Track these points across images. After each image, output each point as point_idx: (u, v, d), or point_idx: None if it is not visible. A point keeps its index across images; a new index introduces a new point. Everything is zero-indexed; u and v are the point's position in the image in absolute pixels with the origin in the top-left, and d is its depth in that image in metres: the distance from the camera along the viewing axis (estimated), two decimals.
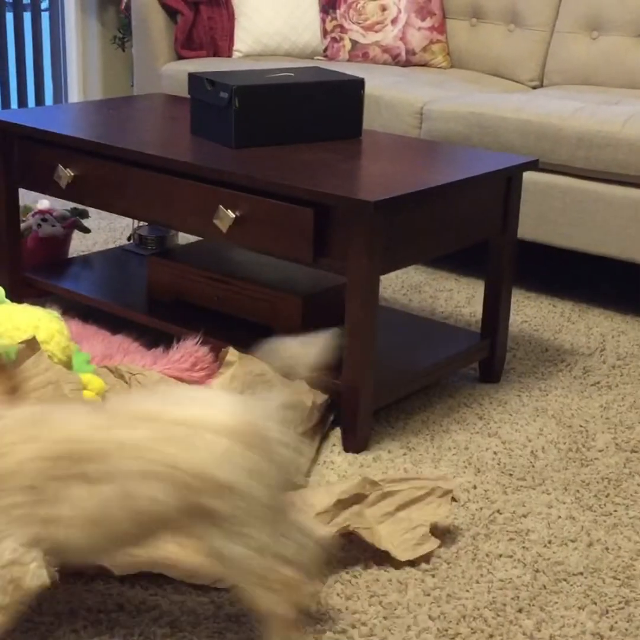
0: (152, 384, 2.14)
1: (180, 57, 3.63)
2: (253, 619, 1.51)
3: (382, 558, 1.65)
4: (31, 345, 2.02)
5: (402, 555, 1.64)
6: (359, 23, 3.60)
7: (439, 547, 1.70)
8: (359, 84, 2.31)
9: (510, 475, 1.95)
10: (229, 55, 3.67)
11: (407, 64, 3.61)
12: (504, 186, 2.20)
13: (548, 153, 2.76)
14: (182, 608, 1.54)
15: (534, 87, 3.49)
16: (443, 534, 1.72)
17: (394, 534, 1.67)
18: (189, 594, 1.57)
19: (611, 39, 3.36)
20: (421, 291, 2.94)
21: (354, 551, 1.67)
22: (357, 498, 1.70)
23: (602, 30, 3.38)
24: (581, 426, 2.15)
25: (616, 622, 1.54)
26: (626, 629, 1.52)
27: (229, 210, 2.05)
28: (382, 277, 3.03)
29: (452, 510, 1.77)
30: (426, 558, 1.67)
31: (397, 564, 1.65)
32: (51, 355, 2.08)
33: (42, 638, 1.46)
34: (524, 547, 1.72)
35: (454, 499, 1.75)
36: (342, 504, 1.68)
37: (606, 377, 2.40)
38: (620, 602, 1.58)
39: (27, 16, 4.61)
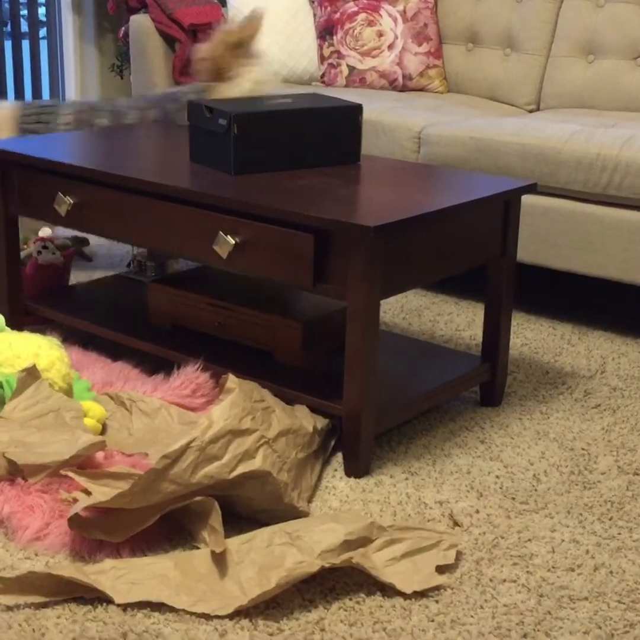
0: (152, 411, 2.14)
1: (178, 84, 3.65)
2: None
3: (386, 585, 1.65)
4: (32, 373, 2.03)
5: (407, 588, 1.63)
6: (356, 49, 3.62)
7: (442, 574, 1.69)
8: (357, 109, 2.32)
9: (513, 499, 1.94)
10: None
11: (404, 88, 3.63)
12: (502, 210, 2.21)
13: (547, 176, 2.77)
14: (185, 636, 1.53)
15: (531, 111, 3.51)
16: (448, 575, 1.71)
17: (399, 574, 1.66)
18: (192, 622, 1.56)
19: (607, 63, 3.38)
20: (421, 315, 2.94)
21: (357, 577, 1.67)
22: (363, 541, 1.69)
23: (597, 53, 3.40)
24: (583, 449, 2.15)
25: None
26: None
27: (228, 236, 2.05)
28: (381, 301, 3.04)
29: (456, 562, 1.75)
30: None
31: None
32: (52, 383, 2.08)
33: None
34: (528, 572, 1.71)
35: (458, 553, 1.74)
36: (348, 545, 1.67)
37: (607, 399, 2.40)
38: (625, 626, 1.58)
39: (25, 44, 4.63)
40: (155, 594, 1.60)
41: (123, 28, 4.08)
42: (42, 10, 4.65)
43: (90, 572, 1.61)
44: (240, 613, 1.57)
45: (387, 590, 1.64)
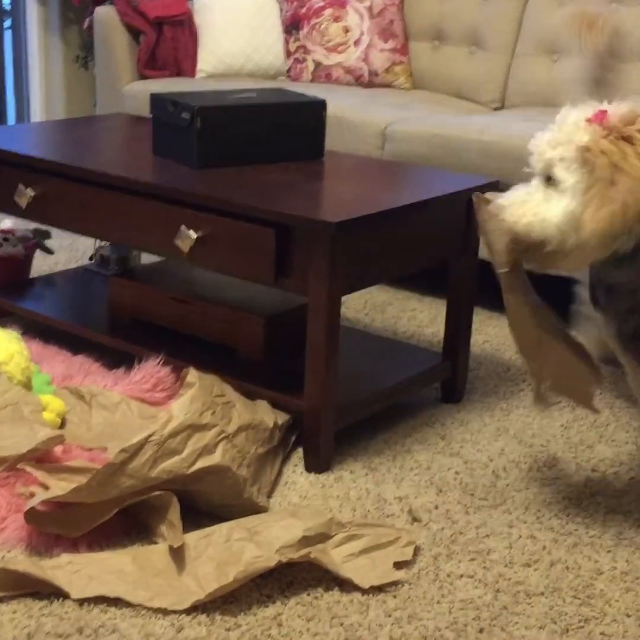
0: (112, 405, 2.13)
1: (143, 77, 3.63)
2: None
3: (344, 580, 1.65)
4: None
5: (364, 583, 1.64)
6: (322, 44, 3.62)
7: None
8: (321, 105, 2.32)
9: (472, 495, 1.95)
10: (193, 76, 3.67)
11: (369, 85, 3.63)
12: (465, 207, 2.21)
13: (510, 174, 2.78)
14: (141, 631, 1.52)
15: (496, 109, 3.52)
16: (406, 571, 1.71)
17: (356, 570, 1.66)
18: (149, 617, 1.55)
19: (571, 62, 3.39)
20: (384, 311, 2.94)
21: (315, 572, 1.67)
22: (322, 537, 1.69)
23: (562, 52, 3.41)
24: (542, 446, 2.16)
25: None
26: None
27: (190, 231, 2.04)
28: (344, 297, 3.04)
29: (414, 557, 1.75)
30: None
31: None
32: (10, 377, 2.07)
33: None
34: (485, 567, 1.72)
35: (416, 549, 1.74)
36: (307, 541, 1.67)
37: None
38: (580, 621, 1.59)
39: None
40: (112, 588, 1.59)
41: (88, 19, 4.05)
42: (7, 0, 4.60)
43: (46, 567, 1.60)
44: (197, 608, 1.57)
45: (345, 585, 1.65)
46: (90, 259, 2.94)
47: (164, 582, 1.61)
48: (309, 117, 2.31)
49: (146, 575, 1.62)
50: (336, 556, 1.67)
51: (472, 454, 2.11)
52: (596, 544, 1.80)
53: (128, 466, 1.70)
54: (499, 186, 2.26)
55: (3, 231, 2.76)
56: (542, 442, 2.18)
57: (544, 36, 3.43)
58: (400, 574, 1.67)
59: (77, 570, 1.61)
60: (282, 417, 2.04)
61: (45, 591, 1.59)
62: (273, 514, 1.77)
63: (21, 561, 1.62)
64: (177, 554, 1.66)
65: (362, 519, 1.76)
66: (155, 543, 1.72)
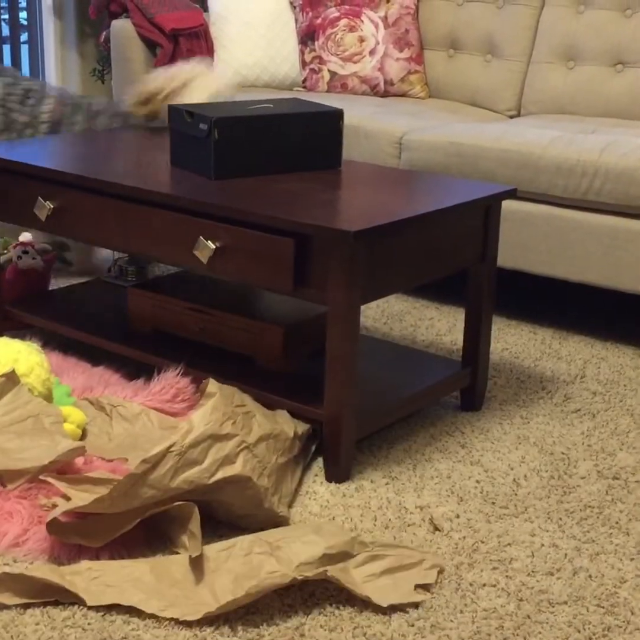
0: (133, 416, 2.14)
1: None
2: None
3: (363, 599, 1.64)
4: (11, 379, 2.02)
5: (382, 602, 1.61)
6: (338, 54, 3.63)
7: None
8: (338, 114, 2.32)
9: (493, 503, 1.94)
10: None
11: (385, 94, 3.64)
12: (482, 215, 2.21)
13: (527, 182, 2.78)
14: None
15: (511, 117, 3.52)
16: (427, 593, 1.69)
17: (376, 589, 1.64)
18: (172, 628, 1.55)
19: (587, 69, 3.39)
20: (402, 320, 2.94)
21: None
22: (343, 556, 1.67)
23: (577, 60, 3.41)
24: (563, 453, 2.15)
25: None
26: None
27: (209, 241, 2.05)
28: (363, 306, 3.04)
29: (437, 581, 1.73)
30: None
31: None
32: (31, 388, 2.07)
33: None
34: (507, 576, 1.71)
35: (441, 572, 1.72)
36: (328, 559, 1.65)
37: (587, 404, 2.41)
38: (604, 630, 1.58)
39: (6, 48, 4.62)
40: (127, 597, 1.59)
41: (104, 33, 4.07)
42: (23, 14, 4.64)
43: (65, 573, 1.61)
44: (219, 619, 1.57)
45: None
46: (108, 270, 2.95)
47: (179, 593, 1.61)
48: (325, 126, 2.31)
49: (162, 585, 1.62)
50: (357, 576, 1.65)
51: (493, 462, 2.11)
52: (619, 552, 1.79)
53: (149, 477, 1.70)
54: (517, 194, 2.26)
55: (22, 244, 2.78)
56: (562, 449, 2.17)
57: (560, 43, 3.43)
58: (421, 597, 1.64)
59: (95, 577, 1.61)
60: (302, 427, 2.04)
61: (65, 600, 1.59)
62: (296, 528, 1.76)
63: (40, 568, 1.63)
64: (196, 565, 1.66)
65: (386, 540, 1.74)
66: (177, 553, 1.73)
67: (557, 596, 1.66)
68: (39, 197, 2.36)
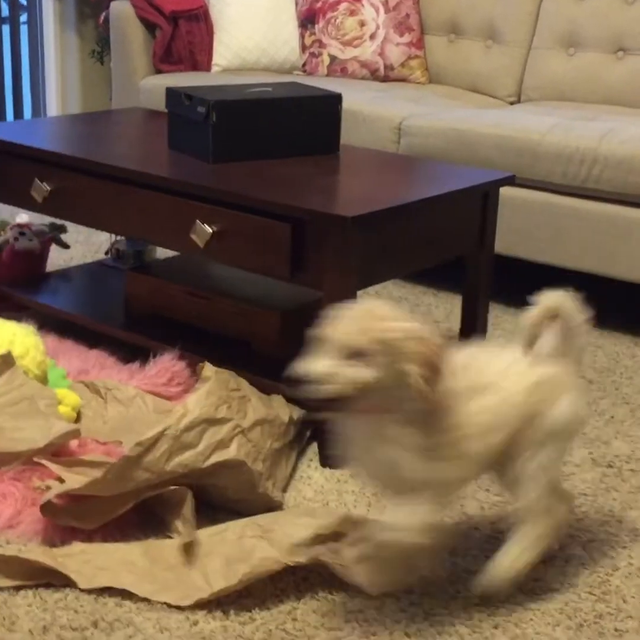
0: (128, 400, 2.13)
1: (158, 71, 3.63)
2: (227, 636, 1.50)
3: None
4: (6, 360, 2.01)
5: (373, 590, 1.61)
6: (338, 38, 3.61)
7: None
8: (337, 99, 2.31)
9: (487, 490, 1.94)
10: (208, 70, 3.67)
11: (385, 79, 3.62)
12: (480, 202, 2.21)
13: (526, 169, 2.77)
14: (156, 625, 1.52)
15: (511, 103, 3.51)
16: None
17: (368, 573, 1.64)
18: (164, 611, 1.56)
19: (588, 56, 3.38)
20: (399, 306, 2.93)
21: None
22: (336, 536, 1.67)
23: (578, 46, 3.40)
24: None
25: (589, 637, 1.54)
26: None
27: (206, 225, 2.04)
28: (359, 292, 3.03)
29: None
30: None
31: None
32: (26, 371, 2.07)
33: None
34: None
35: (433, 557, 1.71)
36: (320, 539, 1.65)
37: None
38: (595, 617, 1.59)
39: (5, 29, 4.60)
40: (119, 580, 1.59)
41: (103, 14, 4.05)
42: None
43: (58, 555, 1.61)
44: (211, 602, 1.57)
45: None
46: (106, 253, 2.94)
47: (172, 577, 1.61)
48: (324, 111, 2.30)
49: (155, 569, 1.62)
50: (350, 556, 1.66)
51: None
52: (612, 541, 1.80)
53: (143, 460, 1.70)
54: (515, 181, 2.26)
55: (19, 225, 2.77)
56: None
57: (561, 30, 3.41)
58: (414, 580, 1.65)
59: (88, 560, 1.62)
60: (297, 412, 2.04)
61: (58, 582, 1.59)
62: (289, 512, 1.76)
63: (33, 550, 1.63)
64: (189, 549, 1.66)
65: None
66: (170, 537, 1.73)
67: (550, 583, 1.67)
68: (36, 179, 2.35)
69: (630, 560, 1.74)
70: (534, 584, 1.66)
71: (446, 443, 1.48)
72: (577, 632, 1.55)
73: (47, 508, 1.69)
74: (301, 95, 2.28)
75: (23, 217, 2.82)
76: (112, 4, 3.72)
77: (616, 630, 1.56)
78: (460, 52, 3.63)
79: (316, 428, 2.04)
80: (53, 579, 1.60)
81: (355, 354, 1.41)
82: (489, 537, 1.79)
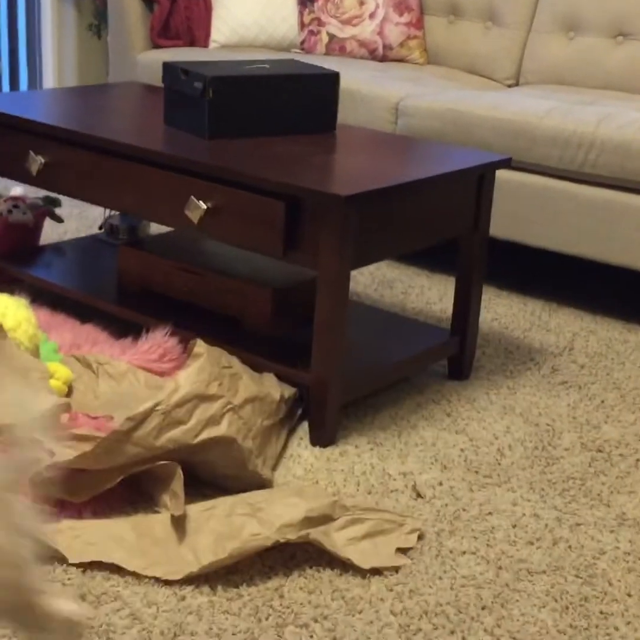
0: (119, 375, 2.13)
1: (156, 46, 3.61)
2: (214, 611, 1.50)
3: (344, 561, 1.65)
4: None
5: (364, 564, 1.62)
6: (337, 17, 3.59)
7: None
8: (335, 77, 2.30)
9: (476, 472, 1.95)
10: (206, 46, 3.65)
11: (384, 59, 3.61)
12: (476, 184, 2.20)
13: (523, 152, 2.77)
14: (143, 599, 1.53)
15: (510, 86, 3.50)
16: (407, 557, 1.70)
17: (358, 553, 1.65)
18: (151, 585, 1.56)
19: (588, 40, 3.37)
20: (393, 287, 2.94)
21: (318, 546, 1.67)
22: (324, 519, 1.68)
23: (578, 30, 3.39)
24: (548, 425, 2.16)
25: (574, 619, 1.54)
26: (585, 627, 1.53)
27: (200, 201, 2.04)
28: (353, 272, 3.03)
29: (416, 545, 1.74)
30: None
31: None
32: (18, 344, 2.07)
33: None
34: (488, 545, 1.72)
35: (420, 536, 1.73)
36: (309, 522, 1.66)
37: (574, 376, 2.41)
38: (581, 600, 1.59)
39: (3, 2, 4.56)
40: (109, 555, 1.59)
41: None
42: None
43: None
44: (200, 578, 1.58)
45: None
46: (100, 228, 2.94)
47: (161, 552, 1.62)
48: (321, 89, 2.29)
49: (145, 544, 1.63)
50: (338, 539, 1.66)
51: (478, 431, 2.11)
52: (599, 524, 1.80)
53: (134, 434, 1.70)
54: (511, 163, 2.25)
55: (13, 198, 2.76)
56: (548, 421, 2.18)
57: (561, 13, 3.40)
58: (402, 560, 1.65)
59: (77, 536, 1.62)
60: (288, 390, 2.04)
61: (46, 555, 1.59)
62: (278, 490, 1.76)
63: None
64: (178, 525, 1.66)
65: (367, 503, 1.75)
66: (158, 512, 1.73)
67: (536, 565, 1.67)
68: (31, 151, 2.34)
69: (616, 544, 1.75)
70: (521, 566, 1.67)
71: None
72: (562, 614, 1.56)
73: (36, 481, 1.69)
74: (299, 73, 2.27)
75: (17, 190, 2.81)
76: None
77: (601, 613, 1.57)
78: (460, 33, 3.61)
79: (307, 407, 2.04)
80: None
81: None
82: (477, 517, 1.79)
